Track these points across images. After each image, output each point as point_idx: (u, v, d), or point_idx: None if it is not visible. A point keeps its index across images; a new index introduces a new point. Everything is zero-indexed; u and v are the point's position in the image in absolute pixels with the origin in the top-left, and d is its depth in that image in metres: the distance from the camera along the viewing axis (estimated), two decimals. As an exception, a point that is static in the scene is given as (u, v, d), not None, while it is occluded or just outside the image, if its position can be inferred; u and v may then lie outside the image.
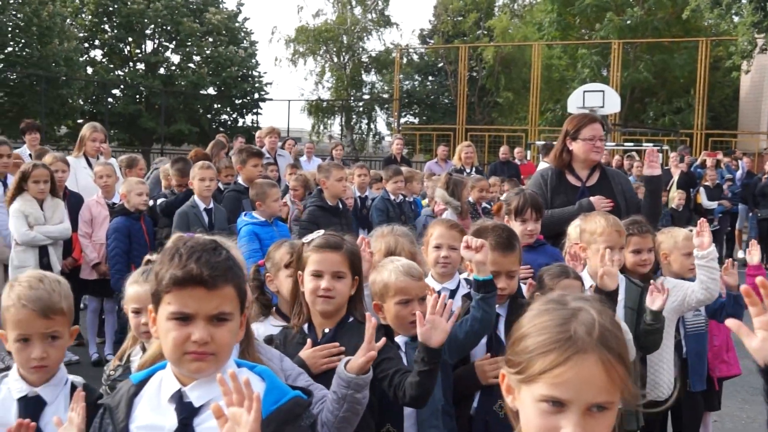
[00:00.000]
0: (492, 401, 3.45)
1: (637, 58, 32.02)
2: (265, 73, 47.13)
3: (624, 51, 29.61)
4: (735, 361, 5.41)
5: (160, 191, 8.62)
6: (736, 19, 25.59)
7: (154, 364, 2.49)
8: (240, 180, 8.01)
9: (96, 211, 7.91)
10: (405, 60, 41.01)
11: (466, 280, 4.29)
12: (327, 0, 44.99)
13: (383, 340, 2.73)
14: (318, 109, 43.43)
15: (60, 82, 27.94)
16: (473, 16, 41.28)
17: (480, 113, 39.71)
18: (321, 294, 3.05)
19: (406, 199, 9.44)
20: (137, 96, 34.42)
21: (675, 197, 14.53)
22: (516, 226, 4.52)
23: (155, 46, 36.10)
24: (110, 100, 32.77)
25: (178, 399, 2.01)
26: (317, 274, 3.08)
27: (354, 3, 44.30)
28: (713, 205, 15.49)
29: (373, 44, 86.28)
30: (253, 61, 37.43)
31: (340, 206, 7.73)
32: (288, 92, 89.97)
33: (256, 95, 36.99)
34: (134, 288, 3.14)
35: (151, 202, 7.77)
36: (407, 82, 42.26)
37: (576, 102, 23.86)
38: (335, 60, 44.85)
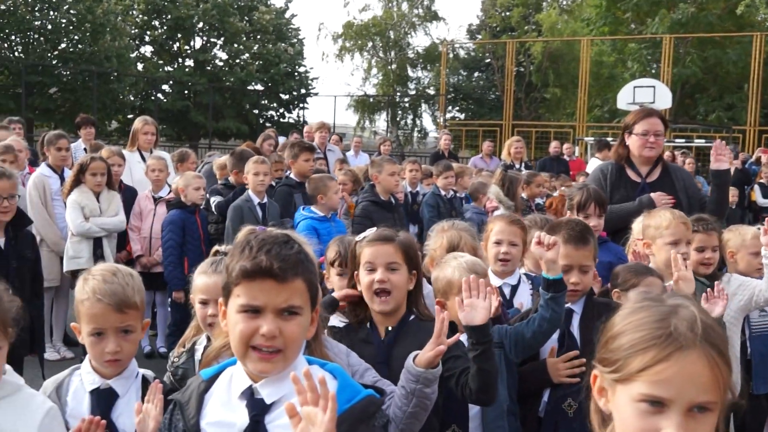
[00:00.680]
0: (562, 399, 3.37)
1: (687, 53, 31.41)
2: (311, 68, 47.14)
3: (674, 46, 29.04)
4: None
5: (211, 186, 8.66)
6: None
7: (218, 357, 2.49)
8: (292, 175, 8.00)
9: (143, 204, 7.99)
10: (452, 55, 40.78)
11: (526, 275, 4.23)
12: (374, -5, 45.01)
13: (456, 336, 2.67)
14: (364, 105, 43.43)
15: (111, 78, 28.39)
16: (521, 11, 40.89)
17: (527, 109, 39.35)
18: (376, 287, 3.00)
19: (457, 194, 9.36)
20: (186, 92, 34.80)
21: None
22: (578, 223, 4.43)
23: (204, 43, 36.45)
24: (159, 96, 33.16)
25: (249, 396, 1.98)
26: (371, 268, 3.04)
27: (401, -2, 44.25)
28: (768, 203, 15.14)
29: (420, 39, 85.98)
30: (301, 57, 37.59)
31: (393, 201, 7.69)
32: (334, 88, 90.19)
33: (303, 91, 37.14)
34: (202, 279, 3.10)
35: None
36: (454, 78, 42.03)
37: (626, 97, 23.52)
38: (381, 55, 44.82)
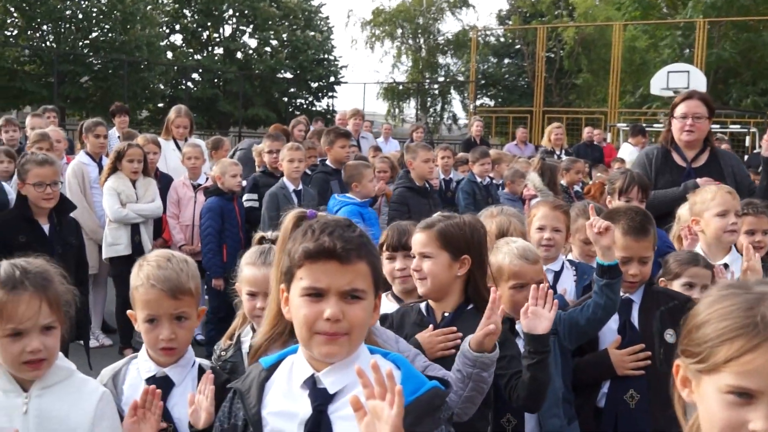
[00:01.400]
0: (623, 390, 3.31)
1: (722, 37, 30.90)
2: (340, 57, 47.03)
3: (707, 30, 28.58)
4: None
5: (248, 173, 8.65)
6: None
7: (267, 348, 2.46)
8: (328, 161, 7.96)
9: (182, 192, 8.00)
10: (482, 41, 40.48)
11: (570, 261, 4.17)
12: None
13: (502, 309, 2.63)
14: (393, 93, 43.29)
15: (142, 66, 28.54)
16: (551, -4, 40.46)
17: (557, 95, 38.97)
18: (414, 275, 3.02)
19: (493, 181, 9.29)
20: (215, 80, 34.92)
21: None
22: (619, 207, 4.35)
23: (233, 30, 36.53)
24: (189, 84, 33.30)
25: (312, 385, 1.94)
26: (413, 255, 3.06)
27: (430, -16, 43.98)
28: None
29: (449, 25, 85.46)
30: (329, 44, 37.54)
31: (428, 187, 7.64)
32: (363, 75, 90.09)
33: (332, 79, 37.10)
34: (251, 270, 3.02)
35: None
36: (483, 64, 41.73)
37: (659, 83, 23.24)
38: (411, 42, 44.62)
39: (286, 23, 36.41)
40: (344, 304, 1.90)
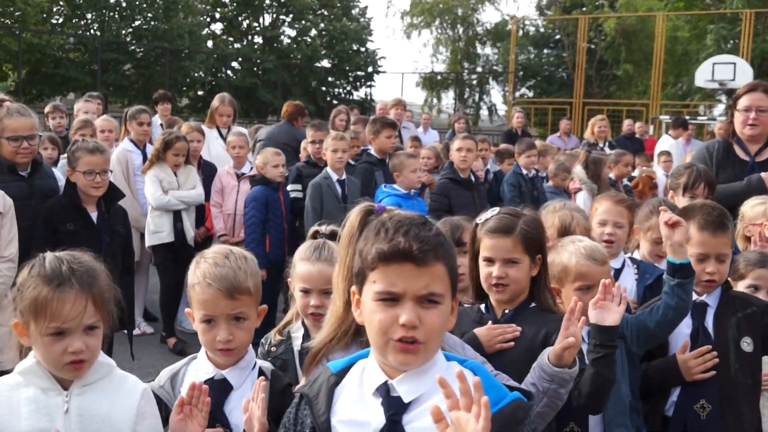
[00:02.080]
0: (693, 399, 3.15)
1: (766, 28, 30.25)
2: (378, 48, 46.91)
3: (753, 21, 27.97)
4: None
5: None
6: None
7: (329, 350, 2.36)
8: (372, 151, 7.87)
9: (225, 181, 7.97)
10: (521, 32, 40.07)
11: (631, 259, 4.03)
12: (442, -29, 44.29)
13: (583, 320, 2.49)
14: (431, 83, 43.05)
15: (183, 54, 28.67)
16: (593, -14, 39.89)
17: (597, 86, 38.46)
18: (494, 282, 2.84)
19: (539, 173, 9.14)
20: (254, 69, 34.98)
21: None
22: (683, 203, 4.19)
23: (272, 19, 36.55)
24: (228, 72, 33.39)
25: (385, 393, 1.83)
26: (489, 260, 2.87)
27: (470, -27, 43.59)
28: None
29: (489, 16, 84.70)
30: (368, 34, 37.41)
31: (473, 179, 7.52)
32: (401, 65, 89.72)
33: (370, 68, 36.98)
34: (304, 266, 2.90)
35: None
36: (522, 55, 41.31)
37: (705, 75, 22.85)
38: (449, 32, 44.31)
39: (325, 12, 36.33)
40: (420, 309, 1.78)
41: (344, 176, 7.18)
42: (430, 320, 1.78)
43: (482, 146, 9.81)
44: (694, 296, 3.23)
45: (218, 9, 35.50)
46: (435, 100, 43.81)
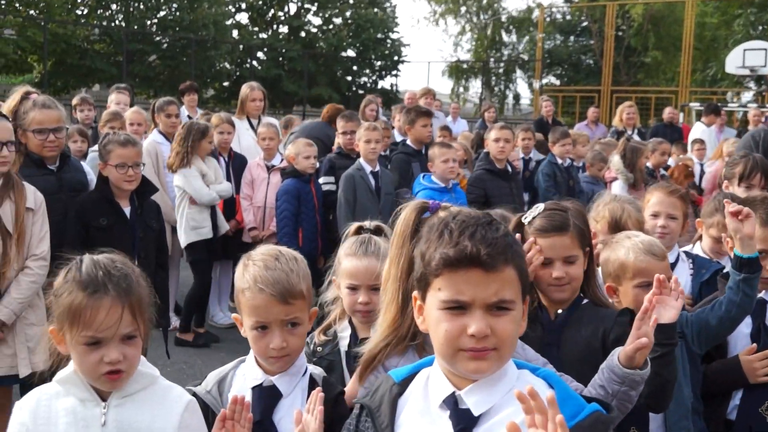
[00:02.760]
0: (758, 402, 3.02)
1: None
2: (402, 37, 46.72)
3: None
4: None
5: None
6: None
7: (380, 356, 2.24)
8: (408, 141, 7.72)
9: (255, 173, 7.87)
10: (548, 19, 39.67)
11: (686, 253, 3.87)
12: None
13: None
14: (458, 71, 42.77)
15: (208, 45, 28.67)
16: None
17: (625, 74, 38.01)
18: (553, 283, 2.70)
19: (574, 163, 8.96)
20: (279, 59, 34.92)
21: None
22: (739, 193, 4.03)
23: (297, 9, 36.44)
24: (254, 63, 33.37)
25: (453, 405, 1.70)
26: (548, 261, 2.72)
27: (495, -40, 43.20)
28: None
29: (515, 3, 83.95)
30: (393, 22, 37.22)
31: (509, 170, 7.36)
32: (427, 54, 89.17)
33: (396, 57, 36.80)
34: (351, 262, 2.79)
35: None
36: (549, 42, 40.90)
37: (735, 61, 22.55)
38: (475, 20, 43.97)
39: (350, 1, 36.18)
40: (490, 317, 1.65)
41: (378, 168, 7.03)
42: (501, 328, 1.66)
43: (525, 135, 9.66)
44: (755, 293, 3.07)
45: (243, -1, 35.47)
46: (461, 89, 43.53)
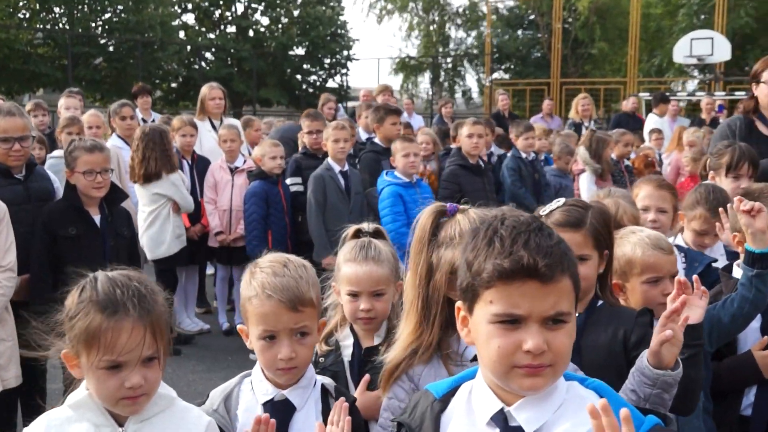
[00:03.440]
0: (774, 398, 2.96)
1: (737, 3, 30.33)
2: (351, 28, 46.54)
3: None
4: None
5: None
6: None
7: (404, 366, 2.15)
8: (376, 140, 7.62)
9: (219, 175, 7.73)
10: (495, 17, 39.90)
11: (678, 246, 3.84)
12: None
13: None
14: (406, 67, 42.77)
15: (155, 46, 28.21)
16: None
17: (573, 66, 38.43)
18: None
19: (538, 156, 8.96)
20: (228, 59, 34.52)
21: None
22: (726, 184, 4.02)
23: (245, 8, 36.07)
24: (202, 63, 32.94)
25: (502, 422, 1.60)
26: None
27: (440, -45, 43.26)
28: None
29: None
30: (341, 19, 37.08)
31: (482, 165, 7.32)
32: (375, 51, 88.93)
33: (345, 53, 36.68)
34: (352, 268, 2.70)
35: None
36: (496, 37, 41.13)
37: (683, 50, 22.89)
38: (422, 14, 44.02)
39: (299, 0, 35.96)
40: (546, 331, 1.55)
41: (346, 167, 6.92)
42: (558, 342, 1.55)
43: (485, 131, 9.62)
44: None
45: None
46: (411, 86, 43.55)
